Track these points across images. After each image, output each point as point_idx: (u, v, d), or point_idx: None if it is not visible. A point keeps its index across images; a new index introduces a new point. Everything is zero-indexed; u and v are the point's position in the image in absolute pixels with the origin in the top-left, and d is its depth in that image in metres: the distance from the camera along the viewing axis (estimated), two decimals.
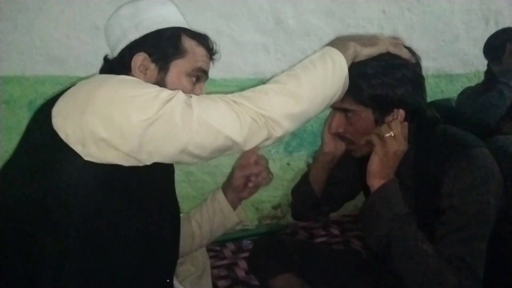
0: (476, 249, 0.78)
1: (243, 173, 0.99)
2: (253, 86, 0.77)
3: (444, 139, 0.87)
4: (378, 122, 0.87)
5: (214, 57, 0.89)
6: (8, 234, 0.71)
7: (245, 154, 0.99)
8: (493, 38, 1.82)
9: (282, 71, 0.79)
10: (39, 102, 1.50)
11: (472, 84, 2.09)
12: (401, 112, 0.86)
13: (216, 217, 1.02)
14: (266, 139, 0.74)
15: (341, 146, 0.99)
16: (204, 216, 1.02)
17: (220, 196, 1.02)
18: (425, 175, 0.87)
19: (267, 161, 1.00)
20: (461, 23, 2.15)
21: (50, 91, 1.51)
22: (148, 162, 0.69)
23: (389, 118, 0.86)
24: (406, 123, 0.86)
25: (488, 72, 1.85)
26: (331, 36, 2.00)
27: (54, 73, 1.51)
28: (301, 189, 1.11)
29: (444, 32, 2.12)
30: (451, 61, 2.17)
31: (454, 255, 0.77)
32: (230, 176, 1.02)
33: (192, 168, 1.72)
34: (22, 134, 0.76)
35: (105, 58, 0.88)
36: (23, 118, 1.50)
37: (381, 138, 0.84)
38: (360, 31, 1.88)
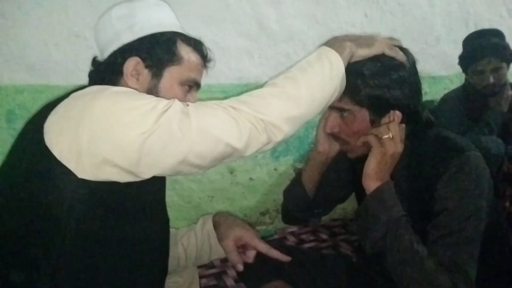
0: (469, 252, 0.78)
1: (235, 251, 0.97)
2: (237, 91, 0.75)
3: (437, 142, 0.87)
4: (374, 123, 0.86)
5: (208, 64, 0.88)
6: (3, 240, 0.68)
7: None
8: (465, 43, 1.83)
9: (267, 76, 0.78)
10: (18, 112, 1.46)
11: (455, 85, 2.13)
12: (398, 114, 0.85)
13: (204, 247, 0.99)
14: (266, 144, 0.73)
15: (335, 146, 0.99)
16: (191, 242, 0.99)
17: (210, 228, 0.99)
18: (418, 177, 0.87)
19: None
20: (442, 25, 2.19)
21: (28, 100, 1.46)
22: (147, 176, 0.67)
23: (385, 119, 0.86)
24: (403, 125, 0.86)
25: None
26: (314, 40, 2.02)
27: (33, 82, 1.46)
28: (294, 189, 1.09)
29: (426, 34, 2.15)
30: (433, 63, 2.20)
31: (448, 258, 0.77)
32: (223, 236, 0.97)
33: (178, 176, 1.69)
34: (10, 147, 0.74)
35: (94, 60, 0.85)
36: (1, 129, 1.46)
37: (379, 139, 0.84)
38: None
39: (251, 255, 0.97)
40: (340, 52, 0.78)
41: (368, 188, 0.84)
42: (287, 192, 1.13)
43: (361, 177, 0.86)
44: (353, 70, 0.81)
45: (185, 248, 0.98)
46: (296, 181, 1.09)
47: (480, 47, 1.73)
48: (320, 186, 1.06)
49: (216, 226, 1.00)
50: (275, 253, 0.96)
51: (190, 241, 0.99)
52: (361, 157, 0.89)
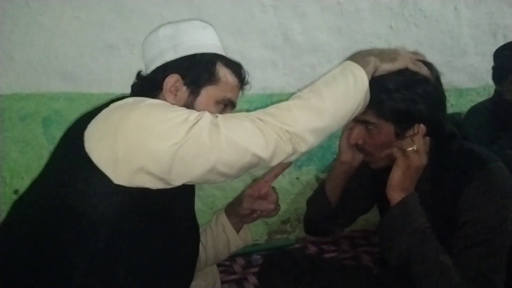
0: (495, 263, 0.77)
1: (251, 206, 0.97)
2: (262, 101, 0.78)
3: (461, 154, 0.88)
4: (399, 135, 0.87)
5: (245, 87, 0.91)
6: (38, 243, 0.71)
7: (257, 184, 0.99)
8: (500, 54, 1.80)
9: (291, 86, 0.80)
10: (54, 118, 1.54)
11: (482, 98, 2.09)
12: (422, 127, 0.86)
13: (220, 241, 1.01)
14: (291, 154, 0.75)
15: (359, 156, 0.99)
16: (208, 239, 1.01)
17: (224, 219, 1.02)
18: (442, 189, 0.87)
19: (277, 196, 0.99)
20: (469, 38, 2.16)
21: (64, 107, 1.54)
22: (177, 183, 0.71)
23: (409, 132, 0.87)
24: (427, 138, 0.87)
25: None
26: (339, 52, 2.04)
27: (68, 90, 1.54)
28: (317, 200, 1.10)
29: (452, 47, 2.13)
30: (460, 75, 2.17)
31: (474, 269, 0.76)
32: (237, 202, 1.00)
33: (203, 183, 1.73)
34: (52, 151, 0.78)
35: (139, 74, 0.90)
36: (38, 134, 1.54)
37: (404, 151, 0.85)
38: (368, 46, 1.90)
39: (272, 198, 0.96)
40: (364, 66, 0.79)
41: (392, 199, 0.85)
42: (310, 202, 1.14)
43: (384, 188, 0.87)
44: (377, 84, 0.82)
45: (204, 245, 1.01)
46: (320, 191, 1.10)
47: None
48: (343, 196, 1.07)
49: (229, 214, 1.02)
50: (278, 168, 0.96)
51: (208, 237, 1.01)
52: (384, 168, 0.90)
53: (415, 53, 0.90)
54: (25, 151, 1.53)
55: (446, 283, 0.77)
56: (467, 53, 2.16)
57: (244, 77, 0.90)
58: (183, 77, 0.82)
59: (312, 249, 1.87)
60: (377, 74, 0.83)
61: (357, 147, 0.95)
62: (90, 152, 0.68)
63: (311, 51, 1.84)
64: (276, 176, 0.99)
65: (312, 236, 1.90)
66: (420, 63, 0.87)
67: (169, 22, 0.88)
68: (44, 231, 0.71)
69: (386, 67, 0.83)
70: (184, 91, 0.83)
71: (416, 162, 0.84)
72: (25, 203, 0.78)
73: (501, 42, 1.95)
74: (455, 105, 2.14)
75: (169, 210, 0.76)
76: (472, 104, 2.02)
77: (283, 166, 0.99)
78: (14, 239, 0.74)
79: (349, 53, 0.88)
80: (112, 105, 0.73)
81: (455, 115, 1.94)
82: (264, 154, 0.71)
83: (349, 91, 0.77)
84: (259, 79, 1.77)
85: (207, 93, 0.83)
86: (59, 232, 0.70)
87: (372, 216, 1.22)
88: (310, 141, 0.74)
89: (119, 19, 1.55)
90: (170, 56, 0.84)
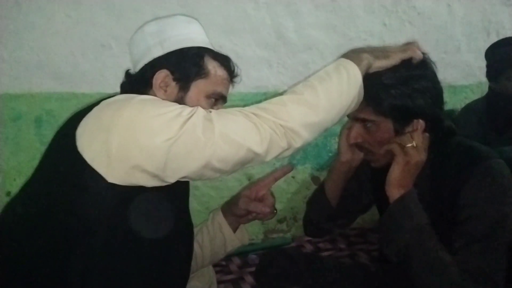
0: (495, 260, 0.77)
1: (247, 207, 0.97)
2: (256, 99, 0.77)
3: (460, 150, 0.87)
4: (398, 132, 0.87)
5: (235, 79, 0.90)
6: (34, 244, 0.71)
7: (256, 185, 0.98)
8: (493, 52, 1.80)
9: (285, 85, 0.80)
10: (46, 118, 1.52)
11: (476, 95, 2.10)
12: (421, 123, 0.86)
13: (217, 240, 1.01)
14: (286, 149, 0.75)
15: (358, 156, 0.99)
16: (205, 238, 1.01)
17: (221, 218, 1.01)
18: (441, 186, 0.87)
19: (274, 200, 0.98)
20: (462, 35, 2.17)
21: (56, 108, 1.52)
22: (172, 180, 0.70)
23: (409, 128, 0.86)
24: (427, 134, 0.86)
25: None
26: (332, 50, 2.03)
27: (60, 90, 1.52)
28: (317, 200, 1.10)
29: (446, 44, 2.14)
30: (454, 72, 2.18)
31: (474, 266, 0.76)
32: (234, 201, 1.00)
33: (197, 182, 1.72)
34: (44, 152, 0.77)
35: (127, 73, 0.89)
36: (29, 134, 1.52)
37: (403, 148, 0.84)
38: (361, 44, 1.90)
39: (269, 202, 0.96)
40: (357, 63, 0.80)
41: (391, 196, 0.85)
42: (310, 203, 1.13)
43: (383, 187, 0.87)
44: (373, 81, 0.82)
45: (200, 245, 1.00)
46: (319, 192, 1.09)
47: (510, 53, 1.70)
48: (343, 196, 1.07)
49: (225, 214, 1.01)
50: (279, 173, 0.98)
51: (204, 237, 1.01)
52: (384, 167, 0.89)
53: (409, 43, 0.90)
54: (16, 152, 1.51)
55: (445, 280, 0.76)
56: (460, 50, 2.17)
57: (234, 70, 0.89)
58: (172, 73, 0.82)
59: (308, 247, 1.86)
60: (371, 71, 0.83)
61: (357, 145, 0.94)
62: (83, 150, 0.67)
63: (304, 49, 1.84)
64: (276, 179, 0.99)
65: (312, 237, 1.90)
66: (412, 46, 0.86)
67: (154, 19, 0.87)
68: (38, 233, 0.70)
69: (380, 64, 0.83)
70: (173, 86, 0.82)
71: (415, 159, 0.84)
72: (18, 204, 0.77)
73: (494, 39, 1.96)
74: (449, 102, 2.14)
75: (164, 208, 0.75)
76: (466, 101, 2.03)
77: (284, 171, 0.99)
78: (8, 241, 0.73)
79: (342, 50, 0.88)
80: (103, 103, 0.71)
81: (449, 112, 1.95)
82: (259, 149, 0.71)
83: (343, 87, 0.77)
84: (253, 78, 1.76)
85: (197, 87, 0.83)
86: (53, 233, 0.69)
87: (368, 214, 1.22)
88: (304, 136, 0.74)
89: (111, 17, 1.53)
90: (158, 52, 0.83)
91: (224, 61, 0.87)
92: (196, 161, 0.68)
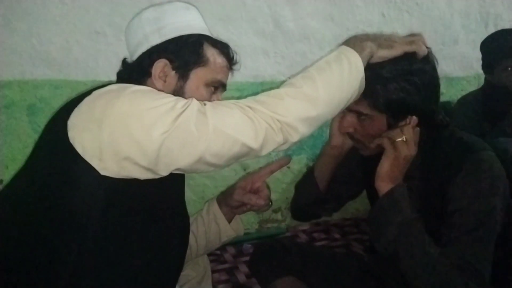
0: (482, 252, 0.77)
1: (241, 199, 0.96)
2: (252, 89, 0.76)
3: (451, 143, 0.87)
4: (391, 126, 0.86)
5: (234, 67, 0.88)
6: (24, 236, 0.69)
7: (251, 177, 0.97)
8: (488, 43, 1.79)
9: (282, 74, 0.78)
10: (39, 106, 1.50)
11: (472, 87, 2.09)
12: (414, 119, 0.85)
13: (211, 230, 1.00)
14: (282, 144, 0.73)
15: (349, 141, 0.98)
16: (199, 228, 1.00)
17: (215, 208, 1.00)
18: (431, 178, 0.87)
19: (269, 191, 0.97)
20: (460, 26, 2.16)
21: (49, 95, 1.51)
22: (165, 173, 0.68)
23: (402, 123, 0.85)
24: (418, 128, 0.85)
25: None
26: (330, 39, 2.01)
27: (53, 77, 1.50)
28: (306, 183, 1.09)
29: (444, 35, 2.13)
30: (451, 64, 2.17)
31: (461, 258, 0.76)
32: (229, 193, 0.99)
33: None
34: (35, 143, 0.76)
35: (124, 61, 0.87)
36: (22, 122, 1.50)
37: (393, 142, 0.84)
38: None
39: (264, 194, 0.96)
40: (359, 52, 0.76)
41: (380, 190, 0.85)
42: (298, 186, 1.13)
43: (373, 176, 0.86)
44: (372, 73, 0.79)
45: (195, 235, 0.99)
46: (308, 175, 1.08)
47: (507, 43, 1.70)
48: (331, 181, 1.06)
49: (220, 204, 1.00)
50: (275, 165, 0.97)
51: (199, 227, 1.00)
52: (374, 154, 0.89)
53: (411, 35, 0.87)
54: (9, 140, 1.49)
55: (431, 273, 0.77)
56: (458, 41, 2.17)
57: (233, 57, 0.87)
58: (171, 61, 0.80)
59: (303, 237, 1.87)
60: (372, 61, 0.79)
61: (348, 134, 0.94)
62: (74, 142, 0.65)
63: (302, 39, 1.82)
64: (272, 172, 0.98)
65: (302, 223, 1.91)
66: (418, 40, 0.83)
67: (151, 5, 0.85)
68: (29, 225, 0.69)
69: (383, 53, 0.79)
70: (173, 75, 0.80)
71: (404, 153, 0.83)
72: (9, 195, 0.75)
73: (492, 31, 1.94)
74: (446, 93, 2.14)
75: (158, 200, 0.74)
76: (463, 93, 2.03)
77: (281, 163, 0.98)
78: None
79: (340, 40, 0.85)
80: (95, 92, 0.69)
81: (445, 104, 1.94)
82: (254, 144, 0.69)
83: (343, 78, 0.74)
84: (250, 67, 1.74)
85: (197, 76, 0.81)
86: (45, 226, 0.68)
87: (363, 204, 1.22)
88: (301, 130, 0.72)
89: (106, 4, 1.51)
90: (155, 40, 0.81)
91: (224, 48, 0.85)
92: (189, 155, 0.66)
